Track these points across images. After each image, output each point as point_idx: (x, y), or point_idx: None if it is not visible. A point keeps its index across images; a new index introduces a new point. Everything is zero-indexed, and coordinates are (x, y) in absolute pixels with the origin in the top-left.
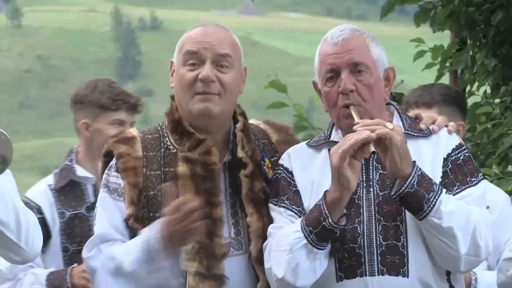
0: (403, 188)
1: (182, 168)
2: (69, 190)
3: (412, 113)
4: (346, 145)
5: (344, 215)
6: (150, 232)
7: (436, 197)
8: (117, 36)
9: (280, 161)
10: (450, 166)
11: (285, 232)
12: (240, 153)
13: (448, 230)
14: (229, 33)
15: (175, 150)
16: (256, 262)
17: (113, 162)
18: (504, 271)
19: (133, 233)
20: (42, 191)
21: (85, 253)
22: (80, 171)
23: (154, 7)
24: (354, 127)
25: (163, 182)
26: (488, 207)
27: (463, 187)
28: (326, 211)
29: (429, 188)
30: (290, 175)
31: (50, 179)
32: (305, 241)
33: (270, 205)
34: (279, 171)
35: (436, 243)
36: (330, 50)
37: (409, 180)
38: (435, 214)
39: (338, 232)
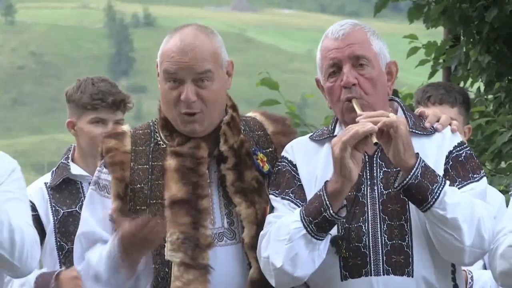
0: (407, 179)
1: (170, 161)
2: (65, 188)
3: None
4: (347, 136)
5: (344, 206)
6: (114, 242)
7: (440, 188)
8: (111, 32)
9: (284, 153)
10: (451, 163)
11: (284, 221)
12: (222, 147)
13: (453, 222)
14: (208, 38)
15: (164, 146)
16: (249, 248)
17: (104, 158)
18: (508, 258)
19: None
20: (38, 188)
21: (74, 255)
22: (75, 169)
23: (147, 3)
24: (357, 119)
25: (150, 176)
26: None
27: (465, 183)
28: (328, 202)
29: (433, 179)
30: (294, 168)
31: (47, 177)
32: (304, 231)
33: (272, 196)
34: (283, 163)
35: (441, 235)
36: (331, 45)
37: (413, 171)
38: (439, 205)
39: (338, 222)
